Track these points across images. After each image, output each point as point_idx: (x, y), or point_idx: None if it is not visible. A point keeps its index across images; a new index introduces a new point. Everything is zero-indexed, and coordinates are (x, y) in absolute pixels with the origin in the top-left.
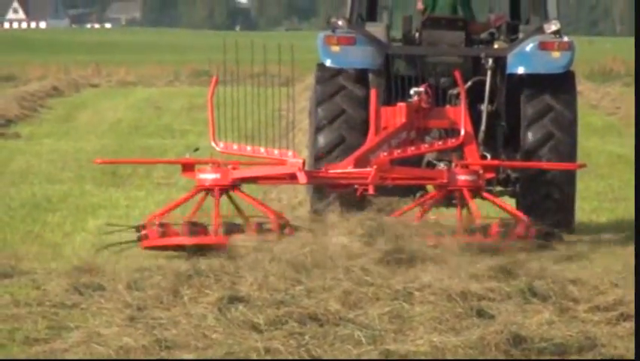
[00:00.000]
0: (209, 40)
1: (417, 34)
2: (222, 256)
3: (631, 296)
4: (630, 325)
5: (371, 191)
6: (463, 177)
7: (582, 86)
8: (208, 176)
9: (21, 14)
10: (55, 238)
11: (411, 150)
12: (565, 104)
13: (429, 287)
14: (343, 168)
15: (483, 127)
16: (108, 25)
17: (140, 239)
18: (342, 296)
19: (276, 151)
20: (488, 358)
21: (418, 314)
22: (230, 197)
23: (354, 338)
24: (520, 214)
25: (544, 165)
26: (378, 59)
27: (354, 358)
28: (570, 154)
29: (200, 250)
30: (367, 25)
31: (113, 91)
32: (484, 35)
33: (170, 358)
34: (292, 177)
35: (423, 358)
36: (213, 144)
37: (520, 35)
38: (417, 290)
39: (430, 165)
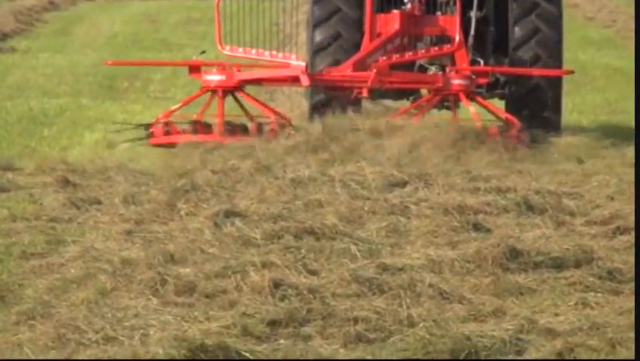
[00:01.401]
0: None
1: None
2: (218, 171)
3: (627, 210)
4: (627, 238)
5: (365, 94)
6: (457, 82)
7: None
8: (214, 77)
9: None
10: (51, 152)
11: (408, 55)
12: (550, 23)
13: (425, 201)
14: (342, 72)
15: (472, 32)
16: None
17: (148, 137)
18: (339, 210)
19: (279, 55)
20: (485, 271)
21: (414, 228)
22: (235, 98)
23: (351, 251)
24: (512, 118)
25: (532, 71)
26: None
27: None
28: (556, 48)
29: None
30: None
31: (110, 4)
32: None
33: (168, 272)
34: (295, 80)
35: (418, 271)
36: (219, 47)
37: None
38: (413, 204)
39: (422, 68)
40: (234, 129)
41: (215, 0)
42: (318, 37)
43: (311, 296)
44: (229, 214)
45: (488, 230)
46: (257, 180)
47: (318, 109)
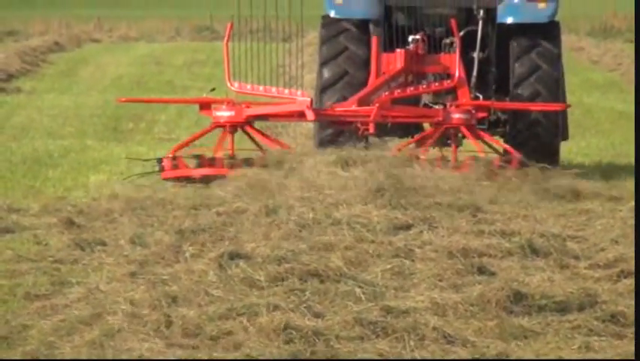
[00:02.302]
0: None
1: None
2: (223, 213)
3: (631, 253)
4: (631, 281)
5: (371, 130)
6: (457, 115)
7: (583, 42)
8: (224, 113)
9: None
10: (56, 193)
11: (410, 90)
12: (549, 60)
13: (430, 244)
14: (347, 107)
15: (475, 72)
16: None
17: (161, 170)
18: (344, 253)
19: (286, 91)
20: (489, 315)
21: (418, 271)
22: (245, 132)
23: (355, 294)
24: (513, 151)
25: (531, 106)
26: (378, 10)
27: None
28: (555, 85)
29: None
30: None
31: (115, 46)
32: None
33: (173, 313)
34: (301, 115)
35: (422, 314)
36: (228, 84)
37: None
38: (418, 247)
39: (427, 106)
40: (241, 162)
41: (225, 39)
42: (327, 74)
43: (315, 339)
44: (234, 256)
45: (492, 273)
46: (262, 222)
47: (324, 145)
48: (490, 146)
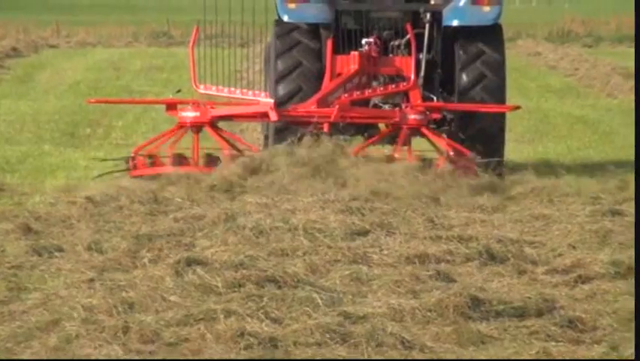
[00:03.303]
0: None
1: None
2: (180, 219)
3: (589, 258)
4: (589, 287)
5: (326, 129)
6: (412, 116)
7: (541, 47)
8: (189, 114)
9: None
10: (13, 199)
11: (368, 93)
12: (494, 49)
13: (387, 250)
14: (307, 108)
15: (422, 73)
16: None
17: (129, 169)
18: (301, 259)
19: (249, 93)
20: (447, 321)
21: (376, 277)
22: (209, 132)
23: (313, 300)
24: (465, 150)
25: (481, 107)
26: (329, 14)
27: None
28: (500, 93)
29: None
30: None
31: (72, 52)
32: None
33: (130, 320)
34: (264, 116)
35: (380, 320)
36: (194, 86)
37: None
38: (375, 253)
39: (377, 106)
40: (213, 160)
41: (190, 43)
42: (282, 91)
43: (273, 345)
44: (191, 262)
45: (450, 279)
46: (219, 228)
47: (279, 135)
48: (435, 146)
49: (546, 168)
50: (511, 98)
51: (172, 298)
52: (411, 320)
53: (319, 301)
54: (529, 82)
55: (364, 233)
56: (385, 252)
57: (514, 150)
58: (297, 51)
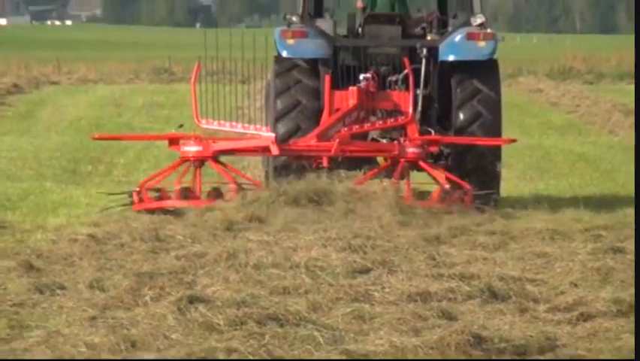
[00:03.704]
0: (169, 38)
1: (360, 29)
2: (182, 256)
3: (591, 296)
4: (590, 325)
5: (325, 163)
6: (411, 150)
7: (542, 84)
8: (191, 148)
9: None
10: (15, 236)
11: (367, 126)
12: (490, 87)
13: (389, 288)
14: (307, 142)
15: (419, 108)
16: (69, 22)
17: (133, 202)
18: (303, 297)
19: (251, 127)
20: (449, 358)
21: (378, 315)
22: (211, 166)
23: (315, 338)
24: (463, 182)
25: (478, 140)
26: (327, 50)
27: (314, 358)
28: (496, 130)
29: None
30: (317, 21)
31: (74, 88)
32: (418, 29)
33: (131, 358)
34: (265, 150)
35: (382, 358)
36: (196, 121)
37: (450, 28)
38: (377, 291)
39: (375, 140)
40: (217, 194)
41: (192, 79)
42: (281, 129)
43: None
44: (193, 300)
45: (452, 317)
46: (221, 265)
47: (279, 171)
48: (435, 178)
49: (547, 205)
50: (513, 134)
51: (174, 336)
52: (413, 357)
53: (321, 339)
54: (531, 119)
55: (366, 271)
56: (387, 290)
57: (515, 187)
58: (296, 90)
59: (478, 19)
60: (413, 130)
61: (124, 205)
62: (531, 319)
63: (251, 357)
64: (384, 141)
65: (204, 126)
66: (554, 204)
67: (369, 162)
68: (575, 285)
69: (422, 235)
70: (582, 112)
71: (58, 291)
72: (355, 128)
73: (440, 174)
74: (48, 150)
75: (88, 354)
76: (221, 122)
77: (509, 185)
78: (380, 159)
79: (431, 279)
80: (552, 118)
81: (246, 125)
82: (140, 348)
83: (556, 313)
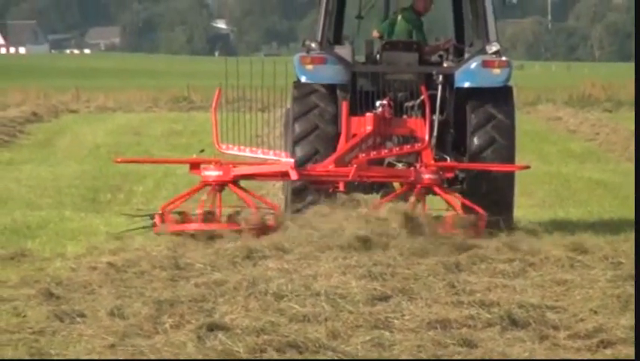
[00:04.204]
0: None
1: (377, 56)
2: (202, 284)
3: (611, 323)
4: (611, 351)
5: (341, 188)
6: (427, 176)
7: (561, 111)
8: (212, 173)
9: (0, 40)
10: (35, 264)
11: (384, 152)
12: (505, 113)
13: (409, 315)
14: (325, 168)
15: (435, 134)
16: (87, 51)
17: (154, 225)
18: (323, 324)
19: (271, 152)
20: None
21: (398, 342)
22: (232, 190)
23: None
24: (478, 208)
25: (492, 166)
26: (345, 76)
27: None
28: (510, 156)
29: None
30: (336, 48)
31: (92, 116)
32: (434, 57)
33: None
34: (284, 175)
35: None
36: (217, 146)
37: (466, 56)
38: (397, 318)
39: (391, 165)
40: (237, 217)
41: (213, 105)
42: (299, 153)
43: None
44: (212, 328)
45: (472, 344)
46: (240, 293)
47: (297, 196)
48: (451, 205)
49: (567, 232)
50: (531, 162)
51: None
52: None
53: None
54: (550, 146)
55: (386, 298)
56: (407, 317)
57: (535, 214)
58: (314, 115)
59: (494, 47)
60: (428, 156)
61: (144, 228)
62: (551, 346)
63: None
64: (400, 165)
65: (224, 151)
66: (574, 231)
67: (385, 185)
68: (595, 312)
69: (442, 262)
70: (601, 140)
71: (78, 319)
72: (373, 154)
73: (455, 200)
74: (67, 178)
75: None
76: (241, 147)
77: (529, 212)
78: (396, 184)
79: (451, 306)
80: (571, 146)
81: (266, 150)
82: None
83: (577, 340)
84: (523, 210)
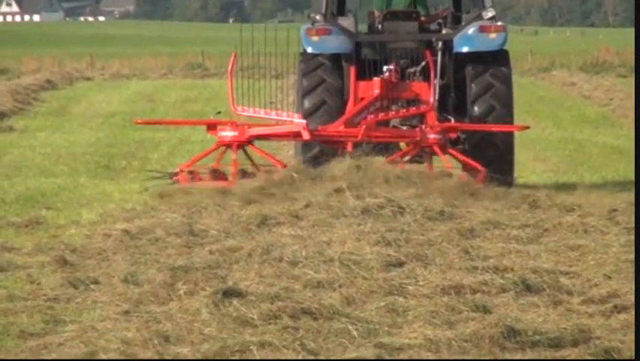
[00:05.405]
0: (202, 33)
1: (379, 26)
2: (216, 251)
3: (625, 288)
4: (624, 317)
5: (349, 148)
6: (432, 136)
7: (575, 77)
8: (228, 133)
9: (15, 8)
10: (49, 231)
11: (392, 114)
12: (502, 80)
13: (423, 281)
14: (335, 128)
15: (437, 97)
16: (102, 18)
17: (174, 182)
18: (337, 291)
19: (284, 114)
20: (482, 351)
21: (412, 308)
22: (245, 151)
23: (349, 332)
24: (479, 166)
25: (493, 127)
26: (349, 45)
27: (348, 352)
28: (508, 120)
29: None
30: (339, 19)
31: (107, 84)
32: (433, 25)
33: (165, 352)
34: (297, 135)
35: (417, 351)
36: (232, 108)
37: (463, 22)
38: (411, 284)
39: (395, 127)
40: (246, 176)
41: (229, 68)
42: (307, 104)
43: None
44: (227, 294)
45: (486, 310)
46: (255, 260)
47: (304, 149)
48: (461, 162)
49: (581, 198)
50: (546, 128)
51: (208, 330)
52: (447, 350)
53: (355, 332)
54: (564, 112)
55: (400, 264)
56: (421, 283)
57: (549, 180)
58: (322, 90)
59: (489, 13)
60: (432, 118)
61: (160, 179)
62: (565, 311)
63: (285, 351)
64: (404, 128)
65: (240, 113)
66: (588, 196)
67: (391, 146)
68: (609, 277)
69: (456, 228)
70: (615, 105)
71: (92, 286)
72: (381, 115)
73: (448, 158)
74: (82, 145)
75: (122, 348)
76: (256, 109)
77: (543, 177)
78: (402, 145)
79: (465, 272)
80: (585, 111)
81: (279, 111)
82: (173, 343)
83: (590, 305)
84: (537, 175)
